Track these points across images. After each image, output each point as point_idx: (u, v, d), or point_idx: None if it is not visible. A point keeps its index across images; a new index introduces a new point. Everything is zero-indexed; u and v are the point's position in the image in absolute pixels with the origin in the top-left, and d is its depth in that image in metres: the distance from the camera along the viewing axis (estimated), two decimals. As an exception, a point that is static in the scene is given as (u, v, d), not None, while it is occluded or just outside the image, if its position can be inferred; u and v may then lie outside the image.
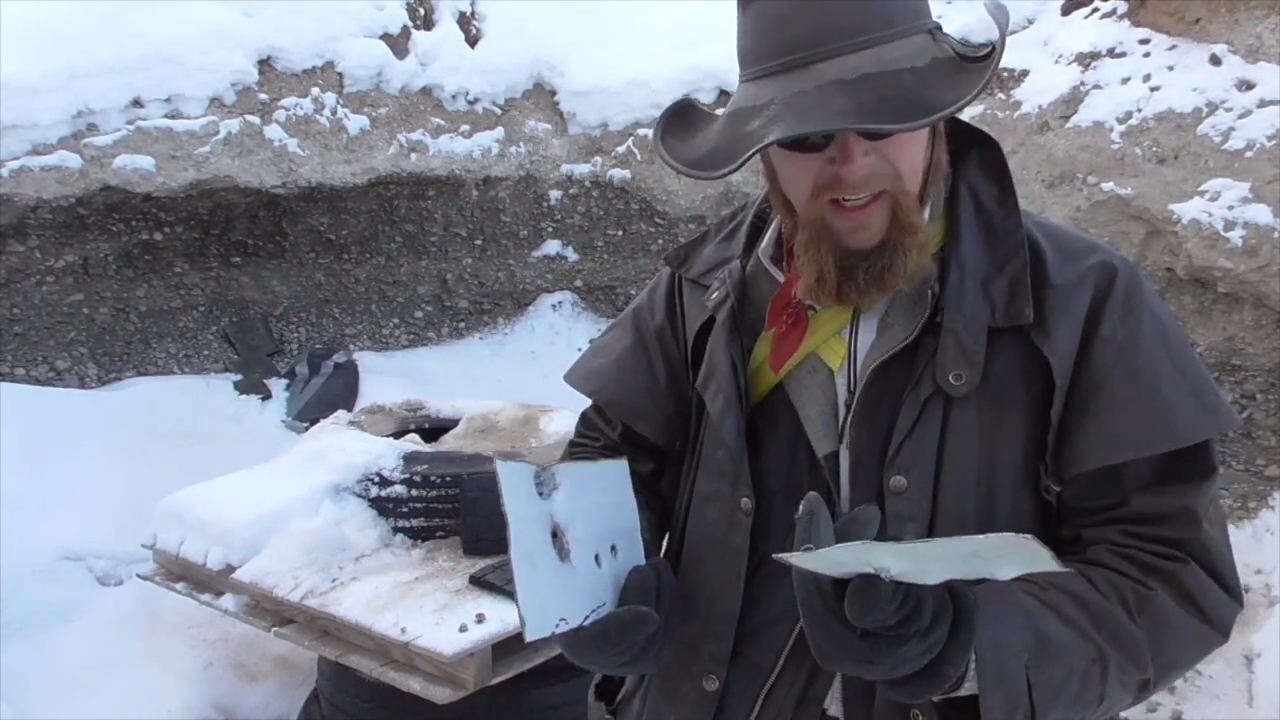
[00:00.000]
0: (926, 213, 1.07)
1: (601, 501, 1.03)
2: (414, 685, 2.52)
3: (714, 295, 1.18)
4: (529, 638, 0.93)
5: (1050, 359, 1.02)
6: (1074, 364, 1.03)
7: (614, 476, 1.05)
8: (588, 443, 1.36)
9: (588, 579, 0.99)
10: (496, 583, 2.67)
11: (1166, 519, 1.03)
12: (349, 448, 3.11)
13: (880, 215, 1.00)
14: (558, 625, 0.94)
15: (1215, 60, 4.33)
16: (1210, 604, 1.01)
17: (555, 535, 0.97)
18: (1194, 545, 1.02)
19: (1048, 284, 1.04)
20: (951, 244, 1.07)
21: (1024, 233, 1.07)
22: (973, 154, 1.12)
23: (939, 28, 1.02)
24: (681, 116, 1.12)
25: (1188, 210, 4.04)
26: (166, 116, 4.86)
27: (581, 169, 5.89)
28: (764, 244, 1.18)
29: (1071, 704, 0.96)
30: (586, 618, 0.97)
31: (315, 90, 5.29)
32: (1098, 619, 0.97)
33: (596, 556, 1.00)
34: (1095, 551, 1.04)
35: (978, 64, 0.97)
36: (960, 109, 0.92)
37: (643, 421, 1.26)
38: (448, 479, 2.98)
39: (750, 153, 0.95)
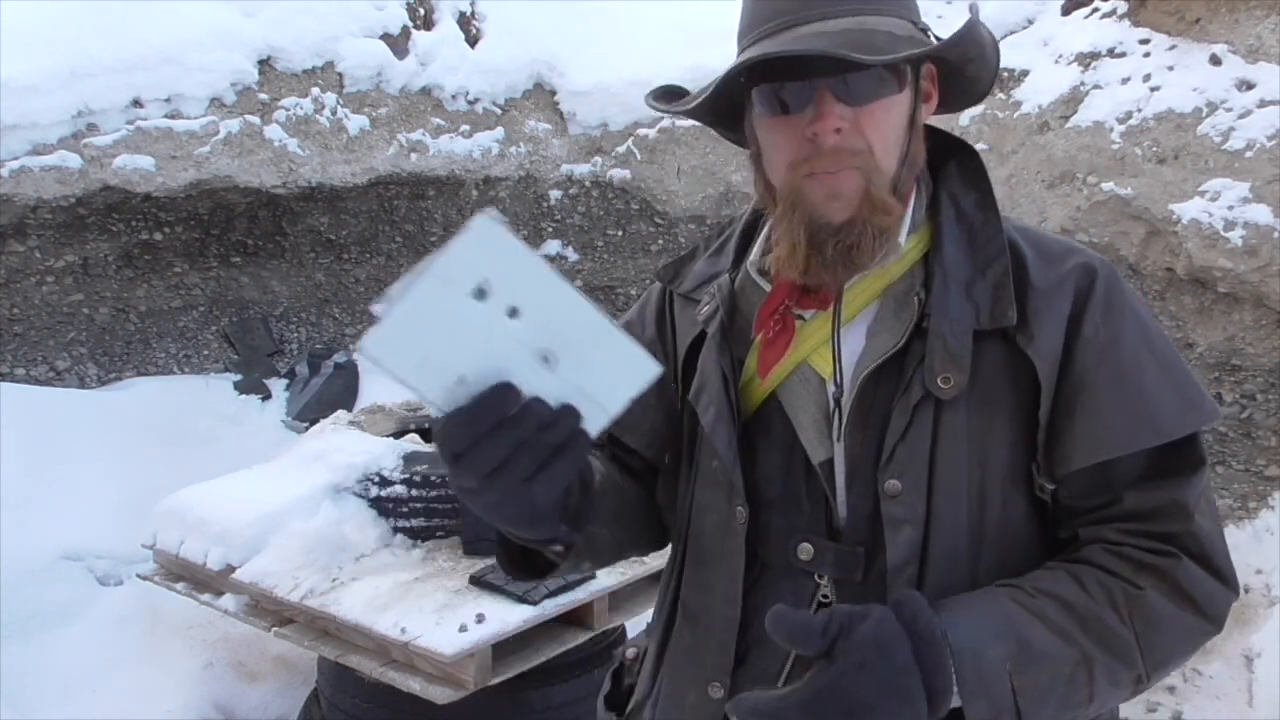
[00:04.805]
0: (908, 216, 1.10)
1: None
2: (414, 685, 2.52)
3: (704, 309, 1.20)
4: (368, 348, 0.82)
5: (1035, 362, 1.04)
6: (1059, 365, 1.04)
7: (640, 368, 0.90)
8: None
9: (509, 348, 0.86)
10: (496, 583, 2.67)
11: (1158, 514, 1.04)
12: (349, 448, 3.11)
13: (853, 184, 1.03)
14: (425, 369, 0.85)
15: (1215, 60, 4.33)
16: (1204, 597, 1.03)
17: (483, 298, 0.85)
18: (1186, 538, 1.03)
19: (1030, 287, 1.06)
20: (935, 250, 1.09)
21: (1004, 237, 1.09)
22: (953, 162, 1.15)
23: (926, 27, 1.07)
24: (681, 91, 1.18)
25: (1188, 210, 4.04)
26: (166, 116, 4.85)
27: (581, 169, 5.89)
28: (752, 256, 1.20)
29: (1059, 706, 0.98)
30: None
31: (315, 90, 5.28)
32: (1085, 622, 0.99)
33: (545, 357, 0.88)
34: (1089, 551, 1.06)
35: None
36: (925, 55, 1.02)
37: (630, 433, 1.27)
38: (448, 479, 2.98)
39: (720, 77, 1.03)
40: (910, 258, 1.10)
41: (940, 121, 1.17)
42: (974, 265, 1.08)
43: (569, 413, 0.88)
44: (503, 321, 0.85)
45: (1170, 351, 1.08)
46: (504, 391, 0.86)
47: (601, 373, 0.90)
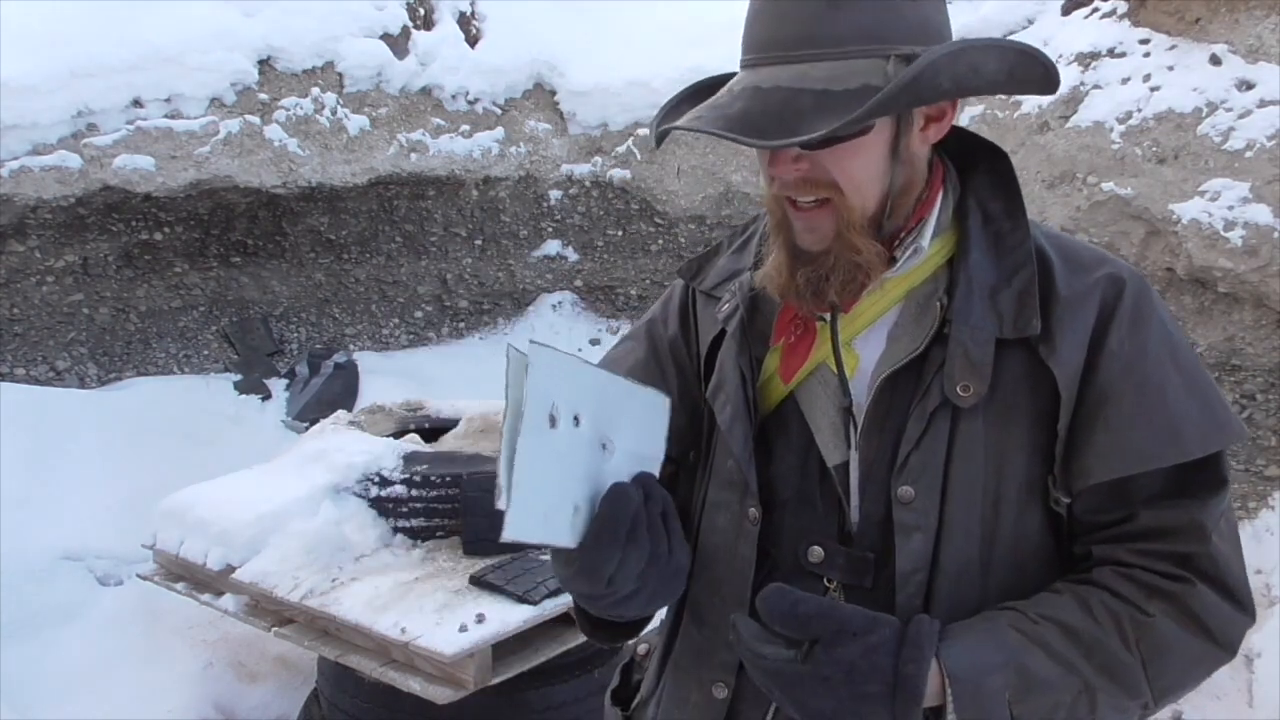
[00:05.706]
0: (932, 220, 1.07)
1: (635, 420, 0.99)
2: (414, 685, 2.52)
3: (724, 307, 1.19)
4: (510, 535, 0.85)
5: (1055, 372, 1.01)
6: (1080, 377, 1.02)
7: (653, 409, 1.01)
8: None
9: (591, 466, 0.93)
10: (496, 583, 2.67)
11: (1175, 533, 1.02)
12: (349, 448, 3.11)
13: (828, 221, 1.03)
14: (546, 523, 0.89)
15: (1215, 60, 4.33)
16: (1217, 623, 1.01)
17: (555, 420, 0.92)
18: (1203, 559, 1.01)
19: (1055, 296, 1.04)
20: (960, 256, 1.07)
21: (1032, 244, 1.06)
22: (982, 166, 1.12)
23: (914, 55, 0.95)
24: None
25: (1188, 210, 4.04)
26: (166, 116, 4.85)
27: (581, 169, 5.89)
28: None
29: None
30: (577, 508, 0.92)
31: (315, 90, 5.29)
32: (1089, 650, 0.98)
33: (604, 444, 0.95)
34: (1099, 573, 1.04)
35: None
36: (805, 141, 0.94)
37: None
38: (448, 479, 2.98)
39: (655, 135, 1.08)
40: (934, 261, 1.08)
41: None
42: (999, 272, 1.05)
43: (649, 479, 0.97)
44: (574, 434, 0.90)
45: (1197, 368, 1.05)
46: (618, 496, 0.94)
47: (639, 428, 0.98)
